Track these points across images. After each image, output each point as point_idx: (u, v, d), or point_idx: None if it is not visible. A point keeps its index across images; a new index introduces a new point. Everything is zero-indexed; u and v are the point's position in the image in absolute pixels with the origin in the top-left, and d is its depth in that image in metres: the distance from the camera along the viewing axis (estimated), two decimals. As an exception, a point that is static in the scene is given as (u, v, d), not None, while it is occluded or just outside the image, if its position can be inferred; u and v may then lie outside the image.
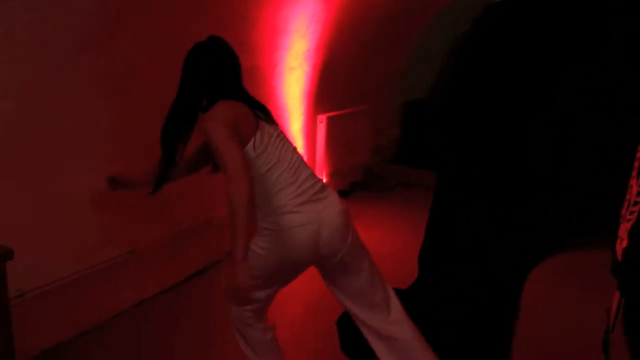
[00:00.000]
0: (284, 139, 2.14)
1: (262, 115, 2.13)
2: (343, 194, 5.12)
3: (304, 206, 2.05)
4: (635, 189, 1.83)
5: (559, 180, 1.55)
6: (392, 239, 4.36)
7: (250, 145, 2.03)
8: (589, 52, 1.50)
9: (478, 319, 1.75)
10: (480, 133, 1.80)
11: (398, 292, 2.26)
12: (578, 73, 1.52)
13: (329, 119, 4.73)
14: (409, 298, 2.18)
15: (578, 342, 2.95)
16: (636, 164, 1.85)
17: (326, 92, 4.78)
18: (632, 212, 1.63)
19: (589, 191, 1.53)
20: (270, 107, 4.05)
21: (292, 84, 4.34)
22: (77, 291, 2.89)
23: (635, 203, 1.80)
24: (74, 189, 2.78)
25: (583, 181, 1.55)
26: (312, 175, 2.15)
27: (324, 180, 2.21)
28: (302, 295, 3.36)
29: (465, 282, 1.77)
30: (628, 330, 1.64)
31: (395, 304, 2.21)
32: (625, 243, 1.89)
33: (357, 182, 5.59)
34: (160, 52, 3.02)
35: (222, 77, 2.20)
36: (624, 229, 1.90)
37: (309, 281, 3.40)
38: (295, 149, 2.17)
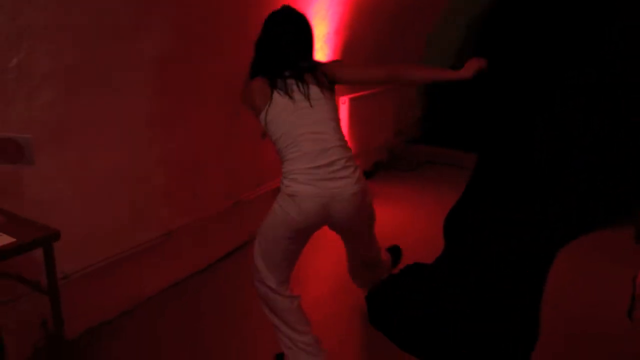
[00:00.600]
0: (302, 114, 2.21)
1: (285, 88, 2.23)
2: (366, 174, 5.14)
3: (317, 182, 2.16)
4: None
5: (559, 180, 1.54)
6: (415, 216, 4.38)
7: (262, 115, 2.25)
8: (589, 52, 1.48)
9: (480, 319, 1.76)
10: (480, 132, 1.79)
11: (420, 266, 2.29)
12: (578, 73, 1.50)
13: (352, 100, 4.71)
14: (430, 273, 2.20)
15: (604, 310, 2.98)
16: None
17: (349, 74, 4.75)
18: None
19: (589, 191, 1.52)
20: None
21: (315, 68, 4.33)
22: (116, 273, 3.00)
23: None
24: (112, 173, 2.87)
25: (583, 181, 1.53)
26: (334, 153, 2.21)
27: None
28: (328, 278, 3.42)
29: (469, 280, 1.78)
30: None
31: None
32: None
33: (381, 162, 5.60)
34: (192, 35, 3.07)
35: (263, 55, 2.35)
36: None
37: (334, 264, 3.46)
38: (321, 123, 2.23)
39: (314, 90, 2.24)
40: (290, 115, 2.20)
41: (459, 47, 5.50)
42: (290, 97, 2.21)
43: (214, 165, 3.52)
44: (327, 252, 3.52)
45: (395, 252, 3.16)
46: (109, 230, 2.91)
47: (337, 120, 2.31)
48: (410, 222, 4.24)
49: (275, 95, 2.21)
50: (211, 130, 3.44)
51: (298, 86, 2.22)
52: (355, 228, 2.44)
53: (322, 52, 4.36)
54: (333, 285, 3.35)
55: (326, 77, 2.31)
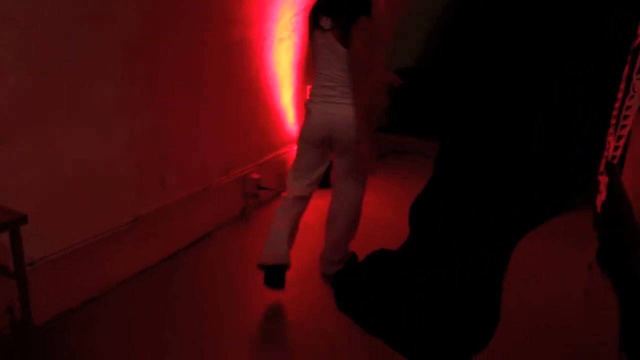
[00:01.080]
0: (321, 51, 2.78)
1: (319, 31, 2.77)
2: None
3: (324, 104, 2.83)
4: (612, 144, 1.83)
5: (558, 170, 1.53)
6: (382, 204, 4.37)
7: (309, 38, 2.90)
8: (588, 42, 1.46)
9: (446, 310, 1.74)
10: (476, 124, 1.76)
11: (386, 252, 2.27)
12: (577, 63, 1.48)
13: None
14: (396, 260, 2.17)
15: (564, 292, 3.04)
16: (613, 121, 1.83)
17: (315, 62, 4.69)
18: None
19: (587, 182, 1.52)
20: (260, 78, 3.99)
21: (281, 55, 4.24)
22: (85, 259, 2.87)
23: (613, 157, 1.80)
24: (80, 159, 2.74)
25: (582, 171, 1.53)
26: (337, 88, 2.79)
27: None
28: (296, 263, 3.38)
29: (437, 271, 1.75)
30: (605, 274, 1.68)
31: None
32: (603, 196, 1.90)
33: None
34: (160, 22, 3.00)
35: None
36: (603, 184, 1.90)
37: (302, 250, 3.47)
38: (332, 61, 2.76)
39: (335, 42, 2.72)
40: (320, 51, 2.79)
41: (428, 34, 5.48)
42: (320, 40, 2.78)
43: (181, 152, 3.41)
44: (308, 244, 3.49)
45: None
46: (76, 216, 2.77)
47: (345, 69, 2.74)
48: (379, 209, 4.23)
49: (314, 32, 2.80)
50: (179, 117, 3.32)
51: (329, 34, 2.73)
52: (349, 148, 2.91)
53: (290, 40, 4.29)
54: (299, 271, 3.32)
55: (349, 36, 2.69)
